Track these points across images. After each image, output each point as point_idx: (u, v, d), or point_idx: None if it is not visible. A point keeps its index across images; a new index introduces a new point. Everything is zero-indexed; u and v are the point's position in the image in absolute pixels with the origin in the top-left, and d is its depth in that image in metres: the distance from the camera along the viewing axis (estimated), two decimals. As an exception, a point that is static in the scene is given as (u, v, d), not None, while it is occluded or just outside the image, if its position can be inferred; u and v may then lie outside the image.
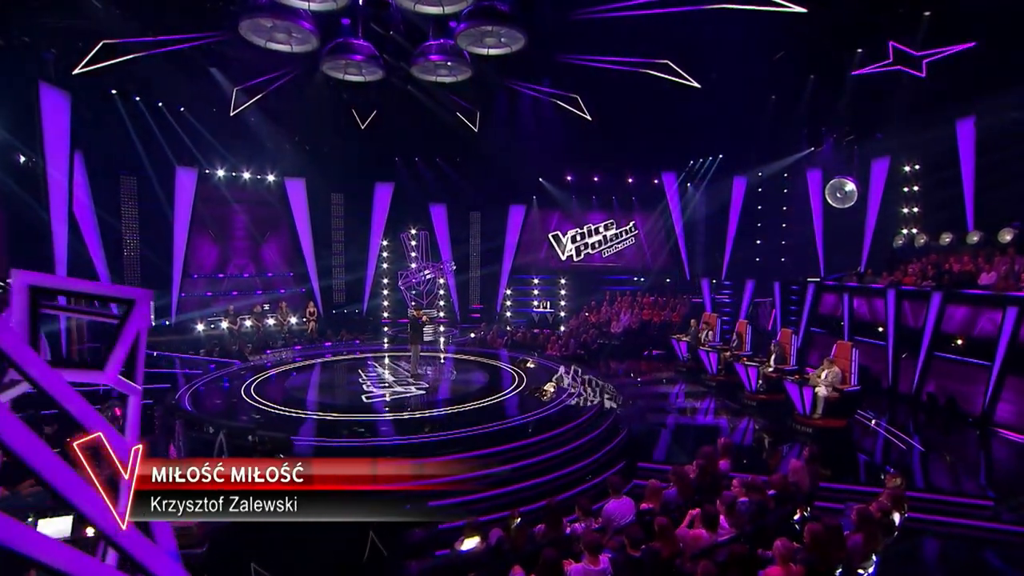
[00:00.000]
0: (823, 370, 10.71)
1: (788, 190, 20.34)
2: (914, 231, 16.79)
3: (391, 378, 12.45)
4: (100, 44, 12.56)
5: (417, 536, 6.65)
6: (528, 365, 13.70)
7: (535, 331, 18.72)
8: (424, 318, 12.48)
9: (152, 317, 16.16)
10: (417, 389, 11.59)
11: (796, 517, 6.65)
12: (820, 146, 18.46)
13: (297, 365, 14.05)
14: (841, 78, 14.55)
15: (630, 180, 21.64)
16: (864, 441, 10.67)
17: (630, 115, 17.38)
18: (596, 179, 21.59)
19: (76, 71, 12.93)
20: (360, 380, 12.36)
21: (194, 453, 8.41)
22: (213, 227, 17.69)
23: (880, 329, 13.78)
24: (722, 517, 5.87)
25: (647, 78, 14.60)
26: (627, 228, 22.66)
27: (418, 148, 19.89)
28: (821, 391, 10.49)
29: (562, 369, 13.59)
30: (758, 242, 21.11)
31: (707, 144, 19.81)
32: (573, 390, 11.48)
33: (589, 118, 17.08)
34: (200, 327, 16.83)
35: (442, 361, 15.16)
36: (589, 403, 10.74)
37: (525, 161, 19.47)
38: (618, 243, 22.69)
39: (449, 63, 13.06)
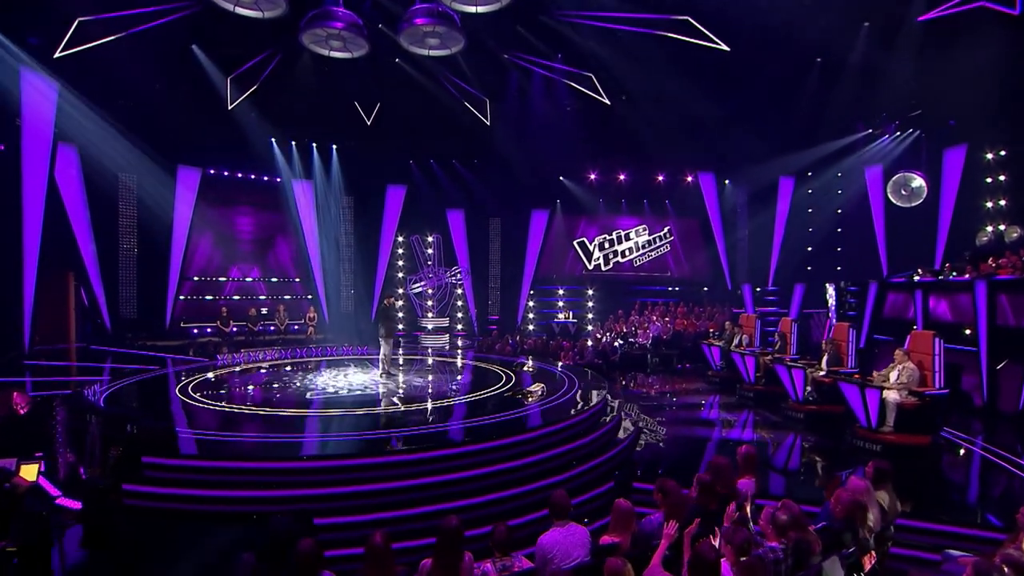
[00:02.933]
0: (893, 368, 7.78)
1: (843, 190, 17.30)
2: (1002, 227, 13.48)
3: (358, 379, 10.35)
4: (76, 22, 11.55)
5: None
6: (525, 369, 11.28)
7: (548, 340, 16.24)
8: (395, 304, 10.30)
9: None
10: (383, 388, 9.44)
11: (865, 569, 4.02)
12: (878, 128, 15.48)
13: (262, 364, 12.21)
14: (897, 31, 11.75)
15: (660, 178, 19.07)
16: (957, 465, 7.58)
17: (657, 101, 15.06)
18: (623, 177, 19.13)
19: (57, 54, 11.94)
20: (320, 380, 10.33)
21: (75, 445, 6.58)
22: (216, 228, 16.39)
23: (967, 332, 10.56)
24: (725, 566, 3.34)
25: (665, 50, 12.35)
26: (661, 234, 20.01)
27: (433, 149, 18.15)
28: (892, 395, 7.54)
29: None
30: (809, 248, 17.99)
31: (748, 138, 17.05)
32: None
33: (607, 101, 14.87)
34: (195, 330, 15.38)
35: (429, 364, 13.03)
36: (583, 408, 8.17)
37: (543, 157, 17.33)
38: (651, 250, 20.02)
39: (438, 28, 11.25)
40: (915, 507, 5.85)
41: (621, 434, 8.00)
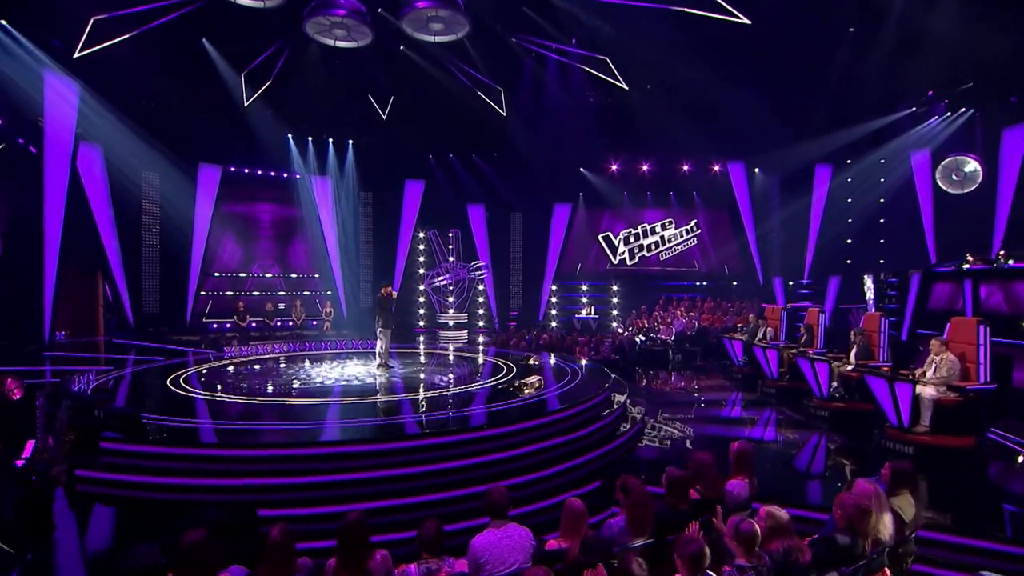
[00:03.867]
0: (931, 360, 6.81)
1: (886, 177, 15.98)
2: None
3: (353, 370, 9.98)
4: (91, 22, 11.66)
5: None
6: (530, 362, 10.67)
7: (564, 334, 15.56)
8: (392, 294, 9.86)
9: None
10: (376, 378, 9.07)
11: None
12: (922, 107, 14.17)
13: (265, 357, 11.99)
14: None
15: (686, 168, 18.09)
16: (1007, 473, 6.54)
17: (678, 86, 14.21)
18: (646, 168, 18.25)
19: (76, 55, 12.11)
20: (315, 371, 10.02)
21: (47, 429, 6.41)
22: (236, 225, 16.45)
23: (1024, 323, 9.35)
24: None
25: (685, 30, 11.53)
26: (688, 227, 19.04)
27: (450, 142, 17.76)
28: (927, 391, 6.57)
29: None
30: (848, 240, 16.71)
31: (778, 123, 15.88)
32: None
33: (624, 86, 14.10)
34: (215, 325, 15.44)
35: (435, 355, 12.63)
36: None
37: (561, 148, 16.67)
38: (677, 244, 19.08)
39: (440, 12, 10.81)
40: (951, 518, 4.97)
41: (621, 430, 7.31)
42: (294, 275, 17.34)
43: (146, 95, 13.68)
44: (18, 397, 7.42)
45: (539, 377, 8.24)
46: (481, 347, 14.70)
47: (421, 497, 4.86)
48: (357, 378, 9.23)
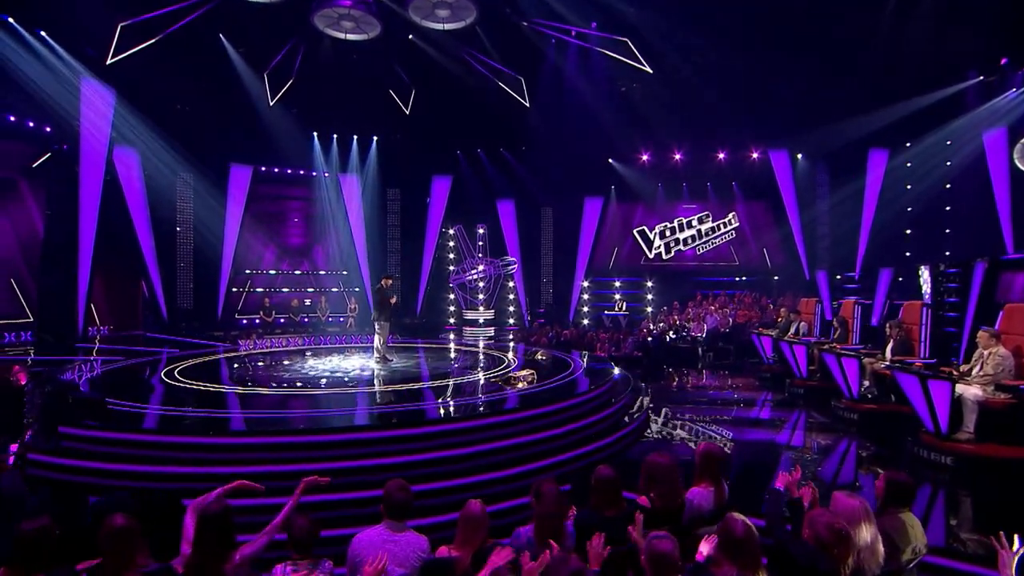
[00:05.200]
0: (978, 356, 5.75)
1: (952, 161, 14.31)
2: None
3: (349, 363, 9.76)
4: (119, 28, 12.05)
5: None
6: (538, 357, 10.08)
7: (586, 330, 14.83)
8: (387, 283, 9.51)
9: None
10: (372, 370, 8.80)
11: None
12: (993, 75, 12.55)
13: (274, 350, 12.00)
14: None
15: (722, 156, 16.93)
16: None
17: (704, 67, 13.24)
18: (679, 157, 17.22)
19: (108, 61, 12.55)
20: (316, 363, 9.89)
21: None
22: (266, 224, 16.72)
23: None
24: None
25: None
26: (725, 220, 17.86)
27: (474, 136, 17.35)
28: (970, 391, 5.54)
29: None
30: (908, 231, 15.11)
31: (824, 103, 14.44)
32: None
33: (648, 69, 13.26)
34: (244, 321, 15.73)
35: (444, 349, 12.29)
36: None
37: (587, 138, 15.94)
38: (714, 238, 17.93)
39: (447, -2, 10.47)
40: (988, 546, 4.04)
41: (625, 420, 6.64)
42: (322, 272, 17.46)
43: (177, 99, 14.06)
44: (24, 383, 7.64)
45: (533, 371, 7.65)
46: (511, 343, 14.23)
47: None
48: (342, 369, 9.02)
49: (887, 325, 7.36)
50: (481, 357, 10.88)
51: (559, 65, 14.14)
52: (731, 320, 13.94)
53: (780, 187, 16.62)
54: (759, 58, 12.26)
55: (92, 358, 9.85)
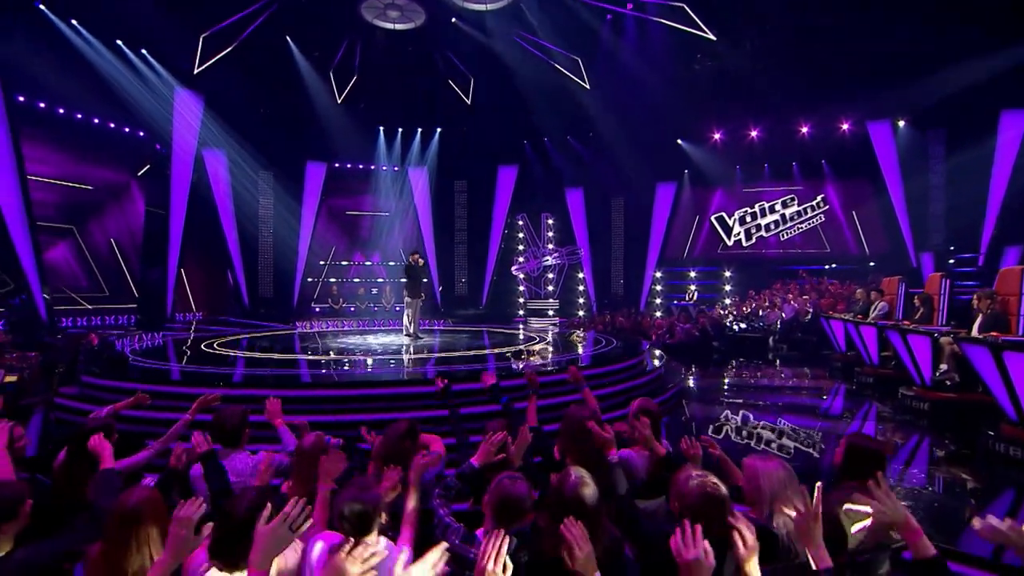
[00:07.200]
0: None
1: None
2: None
3: (382, 341, 9.80)
4: (201, 39, 13.18)
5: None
6: (574, 337, 9.55)
7: (641, 317, 13.95)
8: (415, 259, 9.44)
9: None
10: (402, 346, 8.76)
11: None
12: None
13: (323, 331, 12.52)
14: None
15: (804, 131, 15.18)
16: None
17: (779, 26, 11.90)
18: (755, 134, 15.70)
19: (196, 70, 13.79)
20: (351, 340, 10.06)
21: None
22: (339, 217, 17.56)
23: None
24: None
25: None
26: (814, 203, 16.03)
27: (543, 126, 16.97)
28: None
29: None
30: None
31: (934, 58, 12.19)
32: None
33: (713, 37, 12.21)
34: (317, 308, 16.63)
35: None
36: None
37: (655, 120, 15.00)
38: (802, 222, 16.17)
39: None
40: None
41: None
42: (392, 262, 18.01)
43: (255, 103, 15.14)
44: (95, 344, 8.62)
45: (547, 346, 7.19)
46: (550, 328, 13.74)
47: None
48: (367, 345, 9.09)
49: (974, 296, 5.99)
50: (503, 338, 10.57)
51: (615, 43, 13.44)
52: (810, 309, 12.38)
53: (881, 164, 14.57)
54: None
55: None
